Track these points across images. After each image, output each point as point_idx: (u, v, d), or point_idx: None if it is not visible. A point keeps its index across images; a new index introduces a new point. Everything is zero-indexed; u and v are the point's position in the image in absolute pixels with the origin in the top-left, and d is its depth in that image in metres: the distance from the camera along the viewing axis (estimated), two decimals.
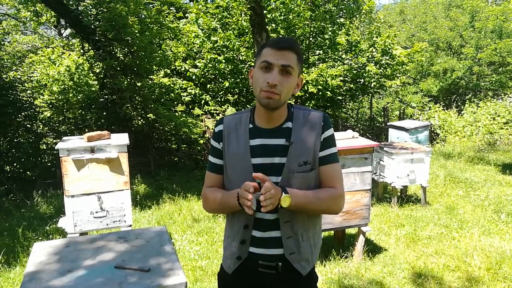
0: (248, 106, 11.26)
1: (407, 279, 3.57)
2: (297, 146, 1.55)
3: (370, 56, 11.64)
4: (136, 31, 8.32)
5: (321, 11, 11.15)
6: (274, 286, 1.61)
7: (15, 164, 8.94)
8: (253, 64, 1.65)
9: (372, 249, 4.17)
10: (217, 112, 10.50)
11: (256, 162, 1.55)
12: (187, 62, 10.84)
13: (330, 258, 3.93)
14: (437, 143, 12.44)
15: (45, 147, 9.77)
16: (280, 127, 1.58)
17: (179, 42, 11.14)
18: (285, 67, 1.48)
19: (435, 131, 13.25)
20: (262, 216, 1.55)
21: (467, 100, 17.47)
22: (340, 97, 11.52)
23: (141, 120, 9.54)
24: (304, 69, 10.92)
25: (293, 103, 1.65)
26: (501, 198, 5.92)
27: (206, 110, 10.54)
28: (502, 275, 3.54)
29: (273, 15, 10.78)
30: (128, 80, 8.66)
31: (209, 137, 9.75)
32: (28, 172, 9.12)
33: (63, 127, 9.79)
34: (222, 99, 11.15)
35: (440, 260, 3.89)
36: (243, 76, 10.86)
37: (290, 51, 1.49)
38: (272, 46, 1.49)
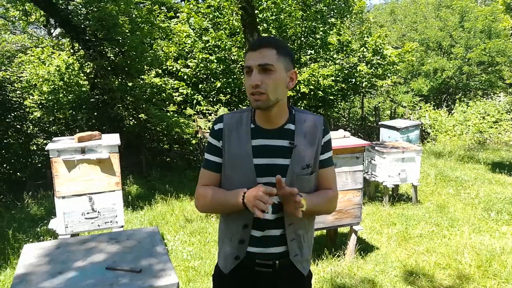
0: (240, 106, 11.25)
1: (399, 277, 3.59)
2: (300, 149, 1.55)
3: (361, 56, 11.71)
4: (127, 31, 8.27)
5: (312, 11, 11.19)
6: (270, 284, 1.62)
7: (4, 165, 8.84)
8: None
9: (364, 248, 4.19)
10: (209, 112, 10.48)
11: (258, 162, 1.54)
12: (178, 62, 10.80)
13: (323, 257, 3.95)
14: (427, 142, 12.55)
15: (35, 148, 9.66)
16: (281, 128, 1.57)
17: (171, 42, 11.10)
18: (262, 66, 1.47)
19: (425, 130, 13.36)
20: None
21: (457, 100, 17.64)
22: (331, 97, 11.57)
23: (133, 120, 9.47)
24: (295, 68, 10.93)
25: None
26: (491, 196, 5.99)
27: (198, 110, 10.52)
28: (492, 272, 3.58)
29: (265, 15, 10.78)
30: (119, 80, 8.60)
31: (201, 137, 9.72)
32: (18, 173, 9.01)
33: (53, 127, 9.68)
34: (214, 99, 11.12)
35: (431, 258, 3.92)
36: (235, 76, 10.84)
37: (267, 48, 1.48)
38: (250, 49, 1.52)
